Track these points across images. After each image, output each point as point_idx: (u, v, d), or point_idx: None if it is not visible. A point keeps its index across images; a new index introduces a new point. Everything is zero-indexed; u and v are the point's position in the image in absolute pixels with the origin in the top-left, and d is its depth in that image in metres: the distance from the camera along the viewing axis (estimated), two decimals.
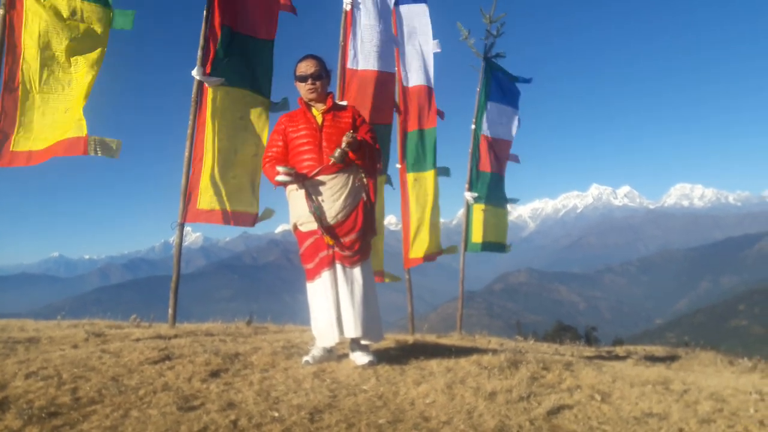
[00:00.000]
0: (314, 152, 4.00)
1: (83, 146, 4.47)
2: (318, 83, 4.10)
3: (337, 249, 3.96)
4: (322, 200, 3.96)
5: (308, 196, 3.95)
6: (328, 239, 3.94)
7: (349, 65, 7.06)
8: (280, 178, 3.91)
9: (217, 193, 5.90)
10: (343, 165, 3.97)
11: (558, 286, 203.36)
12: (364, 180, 4.11)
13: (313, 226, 4.01)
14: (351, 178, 4.03)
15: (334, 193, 3.97)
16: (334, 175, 3.98)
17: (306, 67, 4.11)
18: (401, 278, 7.40)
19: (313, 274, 4.02)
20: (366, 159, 4.03)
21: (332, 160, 3.91)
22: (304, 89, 4.13)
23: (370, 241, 4.18)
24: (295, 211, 4.09)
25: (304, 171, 3.98)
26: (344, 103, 6.49)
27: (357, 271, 3.98)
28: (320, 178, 3.96)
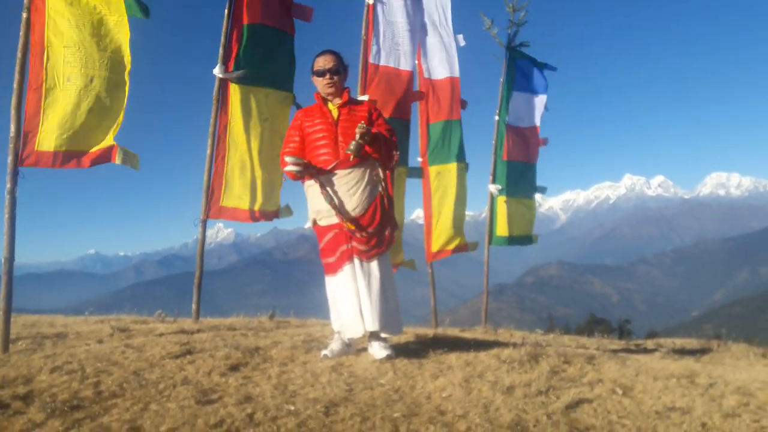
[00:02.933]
0: (330, 146, 4.01)
1: (111, 155, 4.54)
2: (336, 78, 4.11)
3: (354, 243, 3.97)
4: (339, 194, 3.98)
5: (323, 187, 3.96)
6: (349, 225, 3.95)
7: (371, 60, 7.04)
8: (289, 168, 3.93)
9: (242, 191, 5.97)
10: (360, 159, 3.97)
11: (590, 278, 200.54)
12: (381, 174, 4.10)
13: (332, 220, 4.02)
14: (368, 171, 4.03)
15: (350, 188, 3.98)
16: (350, 170, 3.98)
17: (324, 62, 4.11)
18: (414, 260, 7.31)
19: (335, 267, 4.03)
20: (382, 152, 4.02)
21: (349, 152, 3.92)
22: (321, 84, 4.13)
23: (391, 234, 4.16)
24: (314, 206, 4.11)
25: (321, 165, 4.00)
26: (365, 97, 6.49)
27: (374, 265, 3.98)
28: (337, 172, 3.98)
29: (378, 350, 3.93)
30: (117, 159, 4.56)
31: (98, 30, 4.59)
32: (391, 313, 4.02)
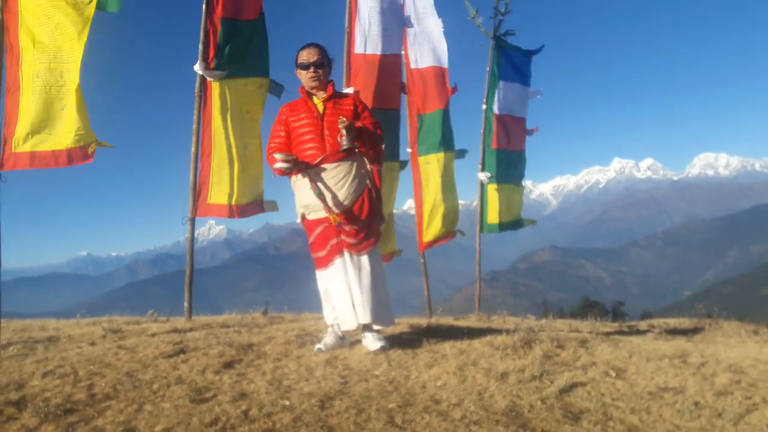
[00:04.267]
0: (316, 141, 3.99)
1: (86, 153, 4.43)
2: (320, 71, 4.07)
3: (344, 237, 3.96)
4: (327, 188, 3.96)
5: (311, 180, 3.94)
6: (334, 217, 3.92)
7: (356, 51, 7.00)
8: (278, 165, 3.90)
9: (229, 187, 5.93)
10: (347, 153, 3.95)
11: (583, 262, 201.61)
12: (368, 167, 4.09)
13: (321, 214, 4.01)
14: (354, 165, 4.02)
15: (338, 181, 3.96)
16: (337, 164, 3.97)
17: (308, 55, 4.08)
18: (402, 251, 7.33)
19: (326, 261, 4.02)
20: (368, 146, 4.01)
21: (343, 146, 3.89)
22: (306, 77, 4.10)
23: (378, 227, 4.16)
24: (302, 201, 4.09)
25: (307, 160, 3.98)
26: (350, 90, 6.45)
27: (365, 259, 3.97)
28: (323, 166, 3.96)
29: (372, 342, 3.93)
30: (90, 151, 4.46)
31: (63, 23, 4.48)
32: (382, 306, 4.02)
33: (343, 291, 3.97)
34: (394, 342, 4.08)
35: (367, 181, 4.08)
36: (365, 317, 3.88)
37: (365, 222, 4.00)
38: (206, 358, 3.70)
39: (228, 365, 3.60)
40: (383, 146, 4.13)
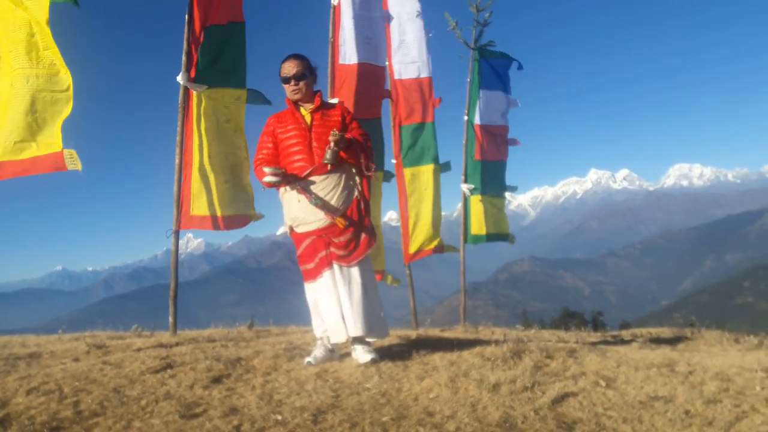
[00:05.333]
0: (304, 152, 3.97)
1: (60, 162, 4.33)
2: (301, 83, 4.05)
3: (333, 249, 3.94)
4: None
5: (305, 191, 3.92)
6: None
7: (340, 61, 7.01)
8: (268, 178, 3.89)
9: (210, 198, 5.87)
10: (335, 164, 3.94)
11: (562, 272, 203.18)
12: (357, 178, 4.08)
13: (309, 227, 3.99)
14: (343, 177, 4.01)
15: (327, 193, 3.94)
16: (325, 176, 3.95)
17: (289, 68, 4.05)
18: (400, 279, 7.39)
19: (315, 274, 3.99)
20: (358, 157, 4.00)
21: (325, 162, 3.88)
22: (288, 90, 4.08)
23: (370, 238, 4.12)
24: (290, 213, 4.06)
25: (295, 172, 3.96)
26: (334, 101, 6.45)
27: (355, 270, 3.95)
28: (312, 178, 3.95)
29: (362, 354, 3.90)
30: (68, 165, 4.38)
31: (24, 26, 4.38)
32: (375, 317, 4.00)
33: (331, 303, 3.95)
34: (384, 354, 4.06)
35: (356, 193, 4.07)
36: (356, 330, 3.86)
37: (354, 233, 3.99)
38: (194, 373, 3.64)
39: (217, 380, 3.55)
40: (373, 158, 4.13)
